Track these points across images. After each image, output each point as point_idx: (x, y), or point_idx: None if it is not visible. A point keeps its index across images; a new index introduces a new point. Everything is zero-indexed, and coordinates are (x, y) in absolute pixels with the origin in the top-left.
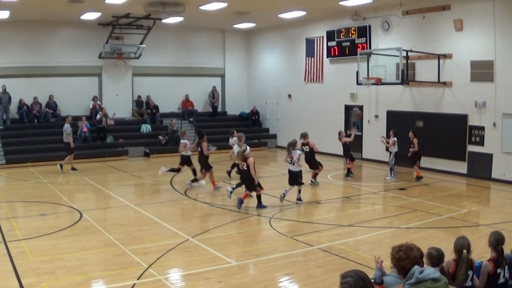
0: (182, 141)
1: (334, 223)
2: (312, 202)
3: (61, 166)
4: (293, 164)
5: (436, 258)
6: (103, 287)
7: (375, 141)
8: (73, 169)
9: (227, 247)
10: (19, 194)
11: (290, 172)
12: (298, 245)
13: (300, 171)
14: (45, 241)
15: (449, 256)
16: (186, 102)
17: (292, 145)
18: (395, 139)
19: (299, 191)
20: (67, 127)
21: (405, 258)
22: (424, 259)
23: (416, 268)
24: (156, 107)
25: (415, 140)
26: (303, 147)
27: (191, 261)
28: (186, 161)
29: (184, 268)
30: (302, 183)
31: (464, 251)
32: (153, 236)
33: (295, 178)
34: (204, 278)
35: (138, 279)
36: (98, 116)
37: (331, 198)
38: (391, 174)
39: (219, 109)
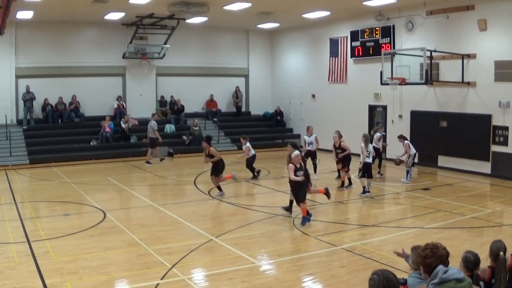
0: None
1: (358, 223)
2: (336, 202)
3: (148, 162)
4: (369, 156)
5: (472, 262)
6: (127, 287)
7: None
8: (147, 162)
9: (250, 247)
10: (43, 194)
11: (365, 164)
12: (322, 245)
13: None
14: (69, 241)
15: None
16: (211, 102)
17: (368, 139)
18: (407, 142)
19: (369, 184)
20: (154, 124)
21: (432, 256)
22: (460, 263)
23: (440, 268)
24: (182, 107)
25: (343, 145)
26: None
27: (214, 261)
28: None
29: (207, 268)
30: (371, 177)
31: (501, 253)
32: (176, 236)
33: (368, 171)
34: (227, 278)
35: (161, 279)
36: (123, 125)
37: (355, 198)
38: (406, 177)
39: (243, 109)
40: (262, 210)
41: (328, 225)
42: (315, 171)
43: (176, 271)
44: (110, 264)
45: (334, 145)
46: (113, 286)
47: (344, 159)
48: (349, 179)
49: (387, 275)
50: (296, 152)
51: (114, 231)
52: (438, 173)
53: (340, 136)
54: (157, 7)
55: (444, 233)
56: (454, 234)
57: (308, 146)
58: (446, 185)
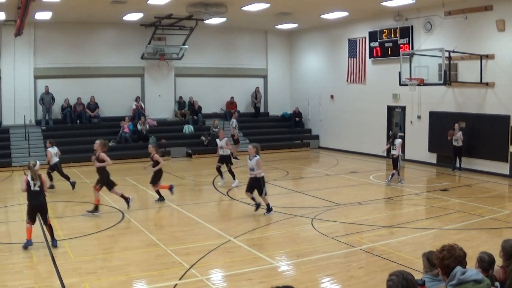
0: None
1: (376, 224)
2: (354, 203)
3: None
4: (395, 149)
5: (487, 263)
6: (145, 287)
7: (418, 142)
8: (235, 158)
9: (269, 247)
10: (62, 195)
11: (393, 156)
12: (340, 246)
13: (399, 157)
14: (87, 241)
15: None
16: (231, 104)
17: (395, 135)
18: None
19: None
20: (233, 121)
21: (449, 257)
22: (475, 264)
23: (458, 269)
24: (199, 108)
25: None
26: None
27: (233, 262)
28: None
29: (226, 268)
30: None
31: None
32: (195, 236)
33: (396, 163)
34: (246, 279)
35: (180, 279)
36: (140, 127)
37: (373, 199)
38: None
39: (261, 110)
40: (280, 210)
41: (347, 226)
42: (233, 177)
43: (194, 272)
44: (129, 264)
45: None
46: (132, 286)
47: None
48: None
49: (406, 275)
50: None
51: (133, 231)
52: (457, 173)
53: (156, 149)
54: (175, 7)
55: (462, 234)
56: (472, 235)
57: (220, 150)
58: (465, 186)
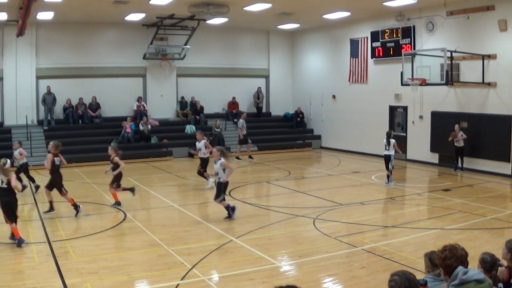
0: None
1: (378, 224)
2: (356, 203)
3: (238, 157)
4: (388, 150)
5: (489, 263)
6: (147, 287)
7: (419, 142)
8: (250, 156)
9: (271, 248)
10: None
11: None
12: (342, 246)
13: (391, 157)
14: (89, 241)
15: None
16: (232, 104)
17: (389, 135)
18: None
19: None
20: (239, 122)
21: (451, 256)
22: (477, 264)
23: (460, 269)
24: (201, 108)
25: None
26: None
27: (235, 262)
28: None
29: (227, 268)
30: (391, 169)
31: None
32: (197, 236)
33: (388, 163)
34: (247, 279)
35: (182, 279)
36: (141, 127)
37: (375, 199)
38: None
39: (263, 110)
40: (282, 211)
41: (349, 226)
42: (206, 178)
43: (196, 272)
44: (131, 265)
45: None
46: (134, 286)
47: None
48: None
49: (408, 275)
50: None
51: (135, 231)
52: (459, 173)
53: (115, 150)
54: (177, 7)
55: (464, 234)
56: (474, 235)
57: (199, 153)
58: (467, 186)
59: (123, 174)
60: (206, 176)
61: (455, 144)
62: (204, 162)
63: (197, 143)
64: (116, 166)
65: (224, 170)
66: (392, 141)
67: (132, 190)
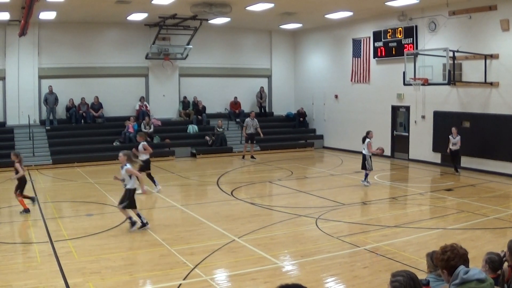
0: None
1: (381, 224)
2: (359, 202)
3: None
4: (364, 149)
5: (498, 262)
6: (149, 287)
7: (422, 141)
8: (252, 157)
9: (273, 247)
10: (66, 194)
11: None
12: (344, 246)
13: (365, 156)
14: (91, 241)
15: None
16: (234, 104)
17: (364, 136)
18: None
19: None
20: (246, 120)
21: (454, 256)
22: (482, 265)
23: (461, 268)
24: (204, 108)
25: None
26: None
27: (237, 262)
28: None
29: (230, 268)
30: (365, 169)
31: None
32: (199, 236)
33: (364, 163)
34: (250, 279)
35: (184, 279)
36: (143, 128)
37: (378, 199)
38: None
39: (266, 109)
40: (284, 210)
41: (351, 226)
42: (154, 184)
43: (198, 272)
44: (133, 264)
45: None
46: (136, 286)
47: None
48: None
49: (411, 275)
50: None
51: (137, 231)
52: (461, 173)
53: (17, 156)
54: (179, 7)
55: (467, 234)
56: (477, 235)
57: (140, 155)
58: (469, 186)
59: (26, 181)
60: (155, 180)
61: (451, 147)
62: (147, 164)
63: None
64: (17, 172)
65: (130, 176)
66: (367, 140)
67: (32, 199)
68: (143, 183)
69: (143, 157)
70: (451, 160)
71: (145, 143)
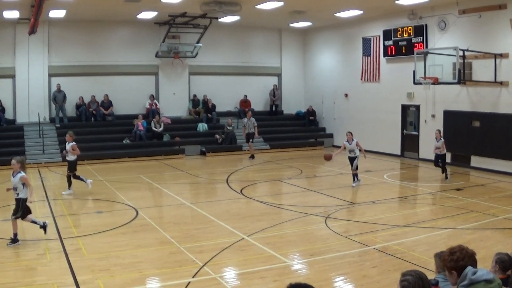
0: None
1: (390, 223)
2: (368, 202)
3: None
4: (349, 152)
5: (508, 262)
6: (158, 285)
7: (432, 141)
8: (251, 156)
9: (282, 246)
10: (75, 192)
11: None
12: (354, 245)
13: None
14: (101, 238)
15: None
16: (244, 102)
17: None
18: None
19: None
20: (244, 120)
21: (463, 257)
22: (492, 265)
23: (469, 269)
24: (213, 106)
25: None
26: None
27: (246, 260)
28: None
29: (239, 266)
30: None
31: None
32: (208, 234)
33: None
34: (259, 277)
35: (193, 277)
36: (153, 128)
37: (387, 198)
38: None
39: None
40: (294, 209)
41: (361, 225)
42: (69, 186)
43: (207, 270)
44: (142, 262)
45: None
46: (145, 283)
47: None
48: None
49: (421, 275)
50: None
51: (146, 229)
52: (471, 173)
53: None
54: (189, 6)
55: (476, 234)
56: (486, 235)
57: (67, 155)
58: (479, 185)
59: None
60: (83, 178)
61: (436, 151)
62: (72, 165)
63: (66, 144)
64: None
65: (23, 185)
66: (354, 140)
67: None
68: (32, 193)
69: (71, 157)
70: (434, 165)
71: (74, 143)
